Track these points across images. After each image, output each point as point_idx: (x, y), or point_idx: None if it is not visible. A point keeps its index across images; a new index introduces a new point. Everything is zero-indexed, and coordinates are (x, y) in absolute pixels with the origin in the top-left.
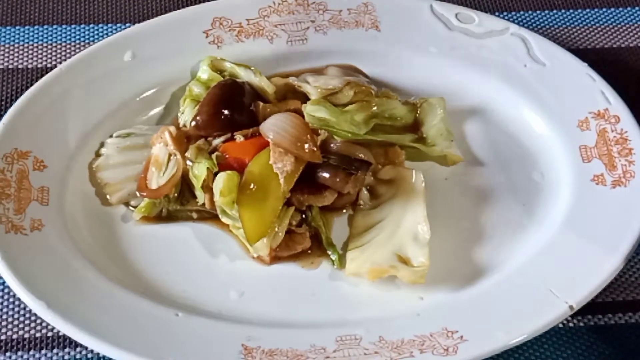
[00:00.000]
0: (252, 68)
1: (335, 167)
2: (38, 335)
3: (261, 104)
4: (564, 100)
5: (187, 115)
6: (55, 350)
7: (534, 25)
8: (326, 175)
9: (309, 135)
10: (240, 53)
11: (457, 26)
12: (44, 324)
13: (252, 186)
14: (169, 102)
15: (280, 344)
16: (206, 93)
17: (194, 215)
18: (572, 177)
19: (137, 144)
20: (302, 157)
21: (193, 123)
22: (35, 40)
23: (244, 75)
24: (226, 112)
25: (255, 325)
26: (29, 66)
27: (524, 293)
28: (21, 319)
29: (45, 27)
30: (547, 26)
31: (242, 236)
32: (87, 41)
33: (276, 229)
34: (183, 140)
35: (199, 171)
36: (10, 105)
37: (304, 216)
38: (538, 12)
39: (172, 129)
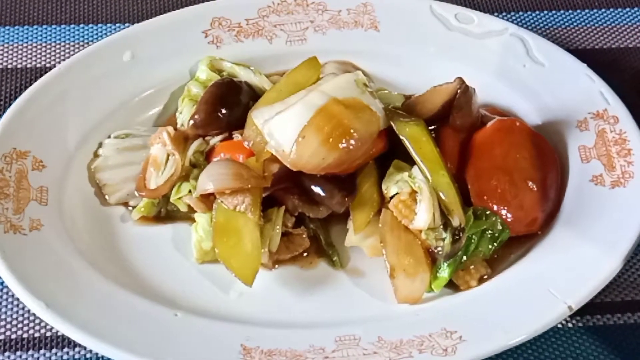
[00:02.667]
0: (252, 68)
1: (332, 187)
2: (37, 335)
3: None
4: (562, 100)
5: (185, 115)
6: (54, 350)
7: (533, 25)
8: (322, 193)
9: (244, 167)
10: (239, 53)
11: (456, 26)
12: (42, 324)
13: (225, 239)
14: (168, 102)
15: (279, 344)
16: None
17: (193, 215)
18: (571, 178)
19: (136, 144)
20: (249, 187)
21: (191, 122)
22: (35, 40)
23: (244, 74)
24: (224, 110)
25: (254, 325)
26: (28, 66)
27: (523, 293)
28: (20, 319)
29: (45, 27)
30: (546, 27)
31: None
32: (86, 41)
33: (272, 232)
34: (181, 140)
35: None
36: (9, 105)
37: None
38: (537, 12)
39: (170, 129)
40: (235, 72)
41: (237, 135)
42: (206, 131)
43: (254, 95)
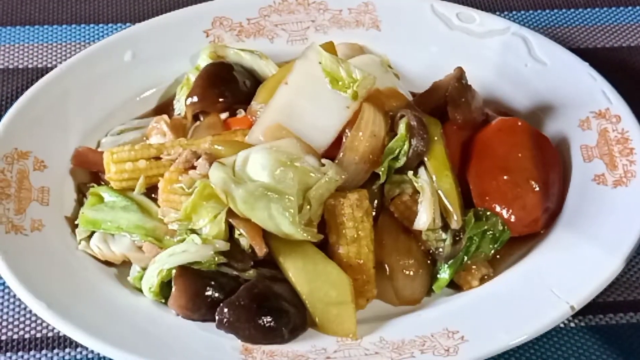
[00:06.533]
0: (258, 52)
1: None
2: (38, 335)
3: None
4: (565, 99)
5: (182, 102)
6: (55, 351)
7: (535, 24)
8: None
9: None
10: None
11: (457, 25)
12: (44, 324)
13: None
14: (169, 102)
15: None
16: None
17: None
18: (573, 177)
19: (134, 138)
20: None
21: (189, 101)
22: (35, 40)
23: (249, 59)
24: (219, 85)
25: None
26: (29, 66)
27: (524, 293)
28: (21, 319)
29: (45, 27)
30: (548, 26)
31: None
32: (87, 41)
33: None
34: (180, 127)
35: None
36: (11, 105)
37: None
38: (539, 11)
39: (166, 117)
40: (240, 57)
41: (240, 111)
42: (204, 106)
43: (250, 76)
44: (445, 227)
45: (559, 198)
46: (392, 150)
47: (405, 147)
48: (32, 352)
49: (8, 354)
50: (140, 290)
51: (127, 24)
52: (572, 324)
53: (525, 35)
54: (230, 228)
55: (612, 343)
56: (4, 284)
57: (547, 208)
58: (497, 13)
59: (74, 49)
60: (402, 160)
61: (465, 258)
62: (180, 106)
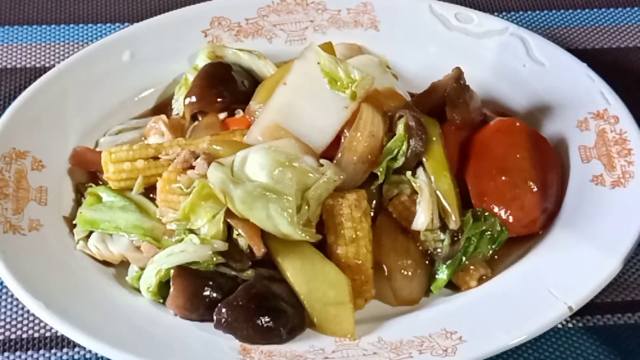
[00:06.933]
0: (256, 52)
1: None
2: (36, 335)
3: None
4: (563, 100)
5: (181, 102)
6: (53, 351)
7: (533, 25)
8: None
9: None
10: None
11: (456, 26)
12: (42, 324)
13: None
14: (168, 102)
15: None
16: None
17: None
18: (571, 178)
19: (133, 138)
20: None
21: (187, 101)
22: (34, 39)
23: (248, 59)
24: (218, 85)
25: None
26: (28, 66)
27: (523, 294)
28: (19, 319)
29: (44, 26)
30: (547, 26)
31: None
32: (85, 41)
33: None
34: (179, 127)
35: None
36: (8, 104)
37: None
38: (537, 12)
39: (164, 117)
40: (238, 57)
41: (238, 111)
42: (202, 105)
43: (248, 76)
44: (444, 227)
45: (557, 199)
46: (391, 151)
47: (404, 147)
48: (29, 352)
49: (6, 353)
50: (139, 290)
51: (126, 24)
52: (570, 325)
53: (523, 36)
54: (229, 228)
55: (610, 344)
56: (2, 283)
57: (545, 209)
58: (496, 13)
59: (72, 48)
60: (401, 161)
61: (464, 258)
62: (179, 106)
